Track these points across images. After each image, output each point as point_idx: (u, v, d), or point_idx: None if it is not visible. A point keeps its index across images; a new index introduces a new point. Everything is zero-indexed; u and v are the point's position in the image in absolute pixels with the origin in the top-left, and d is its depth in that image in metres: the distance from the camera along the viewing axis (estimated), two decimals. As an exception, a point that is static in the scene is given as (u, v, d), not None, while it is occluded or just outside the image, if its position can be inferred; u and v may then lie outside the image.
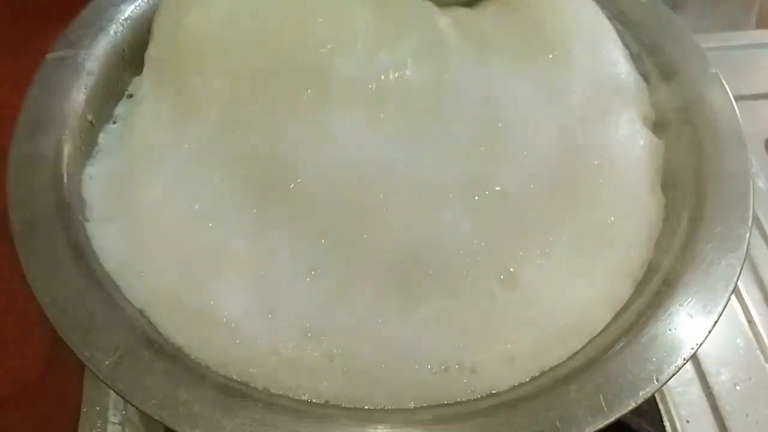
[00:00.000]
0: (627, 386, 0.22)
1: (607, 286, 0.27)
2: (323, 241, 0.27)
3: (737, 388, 0.42)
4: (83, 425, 0.39)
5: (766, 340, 0.44)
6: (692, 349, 0.23)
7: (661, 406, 0.40)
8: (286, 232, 0.27)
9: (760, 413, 0.41)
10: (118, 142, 0.30)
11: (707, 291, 0.25)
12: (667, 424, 0.40)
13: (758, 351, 0.43)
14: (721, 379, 0.42)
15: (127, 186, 0.28)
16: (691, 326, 0.24)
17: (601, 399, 0.22)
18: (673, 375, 0.23)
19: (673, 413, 0.41)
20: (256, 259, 0.27)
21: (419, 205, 0.28)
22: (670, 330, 0.24)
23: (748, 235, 0.26)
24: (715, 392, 0.41)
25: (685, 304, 0.24)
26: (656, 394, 0.41)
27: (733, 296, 0.45)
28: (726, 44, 0.59)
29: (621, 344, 0.24)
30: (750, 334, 0.44)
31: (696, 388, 0.42)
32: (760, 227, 0.49)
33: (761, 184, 0.51)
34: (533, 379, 0.24)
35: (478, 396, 0.23)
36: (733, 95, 0.56)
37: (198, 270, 0.26)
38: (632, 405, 0.22)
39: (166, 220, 0.28)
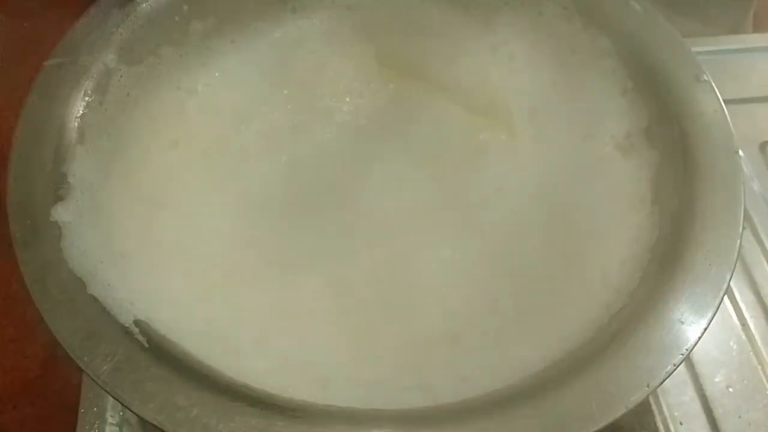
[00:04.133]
0: (618, 392, 0.23)
1: (601, 297, 0.28)
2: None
3: (730, 390, 0.42)
4: (81, 426, 0.39)
5: (759, 343, 0.44)
6: (682, 355, 0.23)
7: (654, 408, 0.41)
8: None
9: (752, 415, 0.41)
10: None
11: (698, 297, 0.25)
12: (660, 425, 0.40)
13: (751, 353, 0.44)
14: (714, 381, 0.42)
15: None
16: (682, 332, 0.24)
17: (593, 405, 0.22)
18: (664, 381, 0.23)
19: (666, 415, 0.41)
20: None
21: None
22: (661, 336, 0.24)
23: (738, 242, 0.26)
24: (708, 394, 0.42)
25: (676, 310, 0.25)
26: (649, 396, 0.41)
27: (726, 299, 0.45)
28: (723, 48, 0.59)
29: (612, 350, 0.24)
30: (743, 336, 0.44)
31: (689, 390, 0.42)
32: (753, 230, 0.49)
33: (755, 187, 0.52)
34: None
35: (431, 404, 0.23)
36: (730, 98, 0.57)
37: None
38: (624, 410, 0.22)
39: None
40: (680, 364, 0.23)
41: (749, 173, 0.52)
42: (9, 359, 0.46)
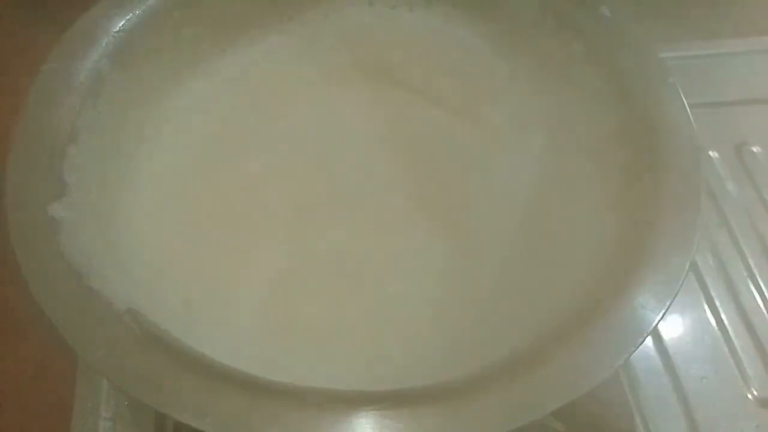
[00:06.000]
0: (585, 371, 0.24)
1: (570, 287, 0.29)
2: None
3: (704, 380, 0.44)
4: (75, 421, 0.40)
5: (732, 336, 0.46)
6: (643, 337, 0.25)
7: (630, 398, 0.42)
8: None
9: (725, 404, 0.43)
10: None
11: (658, 286, 0.27)
12: (636, 414, 0.42)
13: (725, 346, 0.45)
14: (689, 373, 0.44)
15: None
16: (644, 317, 0.26)
17: (561, 383, 0.24)
18: (626, 360, 0.25)
19: (643, 404, 0.42)
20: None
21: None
22: (624, 320, 0.26)
23: (696, 234, 0.28)
24: (683, 385, 0.43)
25: (639, 297, 0.26)
26: (626, 387, 0.43)
27: (701, 294, 0.47)
28: (701, 52, 0.61)
29: (580, 333, 0.26)
30: (717, 330, 0.46)
31: (665, 381, 0.44)
32: (729, 228, 0.51)
33: (730, 187, 0.53)
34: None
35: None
36: (708, 102, 0.59)
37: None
38: (589, 388, 0.24)
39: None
40: (641, 344, 0.25)
41: (725, 174, 0.54)
42: (4, 361, 0.47)
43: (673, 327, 0.46)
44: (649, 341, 0.45)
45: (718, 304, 0.47)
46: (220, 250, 0.32)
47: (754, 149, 0.55)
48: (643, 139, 0.32)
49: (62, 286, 0.25)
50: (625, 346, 0.25)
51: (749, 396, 0.43)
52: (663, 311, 0.25)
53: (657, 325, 0.25)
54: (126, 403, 0.40)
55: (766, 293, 0.47)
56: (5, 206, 0.27)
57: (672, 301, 0.26)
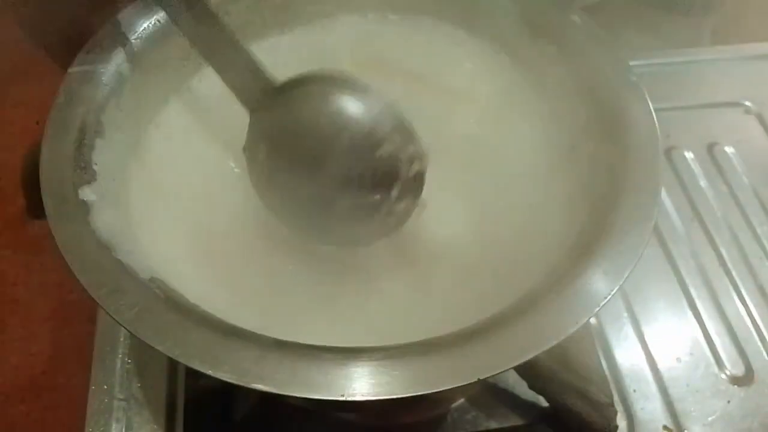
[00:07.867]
0: (555, 328, 0.28)
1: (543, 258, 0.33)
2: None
3: (679, 361, 0.47)
4: (91, 402, 0.43)
5: (705, 320, 0.49)
6: (605, 298, 0.28)
7: (609, 376, 0.45)
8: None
9: (698, 383, 0.45)
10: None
11: (619, 258, 0.30)
12: (614, 392, 0.45)
13: (699, 331, 0.48)
14: (664, 354, 0.47)
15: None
16: (606, 283, 0.29)
17: (533, 339, 0.27)
18: (589, 318, 0.28)
19: (621, 383, 0.45)
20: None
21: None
22: (588, 286, 0.29)
23: (655, 211, 0.31)
24: (659, 366, 0.46)
25: (602, 265, 0.30)
26: (606, 367, 0.46)
27: (677, 283, 0.50)
28: (677, 60, 0.65)
29: (551, 297, 0.29)
30: (692, 315, 0.49)
31: (642, 362, 0.46)
32: (701, 221, 0.54)
33: (702, 183, 0.57)
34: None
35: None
36: (683, 105, 0.63)
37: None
38: (556, 341, 0.27)
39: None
40: (603, 305, 0.28)
41: (698, 172, 0.58)
42: (15, 357, 0.49)
43: (649, 311, 0.49)
44: (627, 326, 0.48)
45: (692, 290, 0.50)
46: (228, 226, 0.36)
47: (726, 149, 0.59)
48: (609, 130, 0.35)
49: (94, 258, 0.29)
50: (589, 308, 0.28)
51: (722, 375, 0.46)
52: (623, 279, 0.29)
53: (616, 291, 0.29)
54: (138, 385, 0.44)
55: (736, 280, 0.51)
56: (42, 190, 0.30)
57: (630, 273, 0.29)
